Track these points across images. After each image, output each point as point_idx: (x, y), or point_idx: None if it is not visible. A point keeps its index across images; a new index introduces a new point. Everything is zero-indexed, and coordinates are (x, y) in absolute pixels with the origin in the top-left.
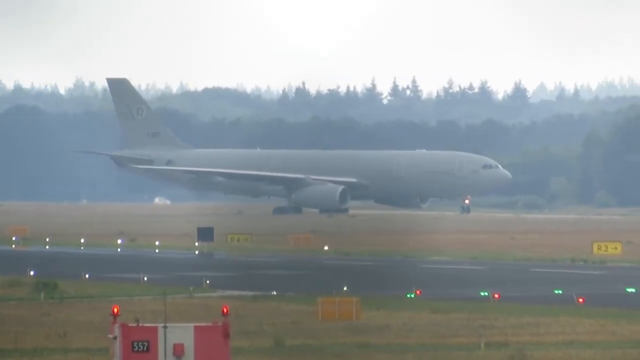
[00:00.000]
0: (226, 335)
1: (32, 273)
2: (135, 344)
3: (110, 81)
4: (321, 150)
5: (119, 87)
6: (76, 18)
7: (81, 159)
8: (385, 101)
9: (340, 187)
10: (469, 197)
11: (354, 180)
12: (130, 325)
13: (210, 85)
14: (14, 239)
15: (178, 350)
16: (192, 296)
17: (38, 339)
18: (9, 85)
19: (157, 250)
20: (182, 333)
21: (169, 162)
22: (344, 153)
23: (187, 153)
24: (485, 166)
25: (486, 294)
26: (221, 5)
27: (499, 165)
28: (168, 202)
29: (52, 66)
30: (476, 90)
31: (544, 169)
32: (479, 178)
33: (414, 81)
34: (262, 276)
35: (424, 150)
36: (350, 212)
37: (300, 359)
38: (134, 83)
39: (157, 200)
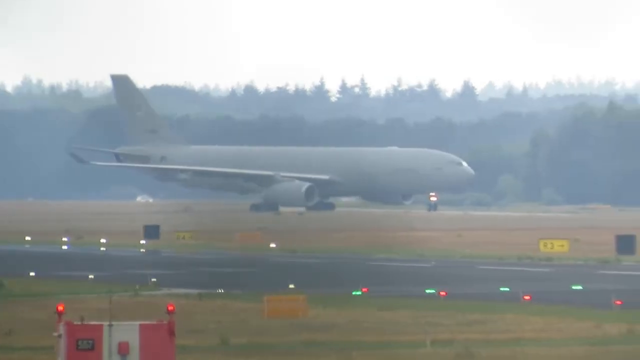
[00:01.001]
0: (172, 333)
1: None
2: (80, 342)
3: (114, 77)
4: (301, 147)
5: (121, 84)
6: (22, 16)
7: (30, 157)
8: (333, 99)
9: (306, 185)
10: (434, 194)
11: (326, 177)
12: (75, 323)
13: (158, 82)
14: None
15: (123, 349)
16: (137, 294)
17: None
18: None
19: (103, 248)
20: (127, 331)
21: (162, 159)
22: (318, 150)
23: (181, 150)
24: (449, 163)
25: (433, 291)
26: (170, 2)
27: (463, 163)
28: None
29: None
30: (425, 88)
31: (492, 167)
32: (443, 175)
33: (362, 79)
34: (209, 274)
35: (395, 147)
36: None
37: (246, 358)
38: (82, 81)
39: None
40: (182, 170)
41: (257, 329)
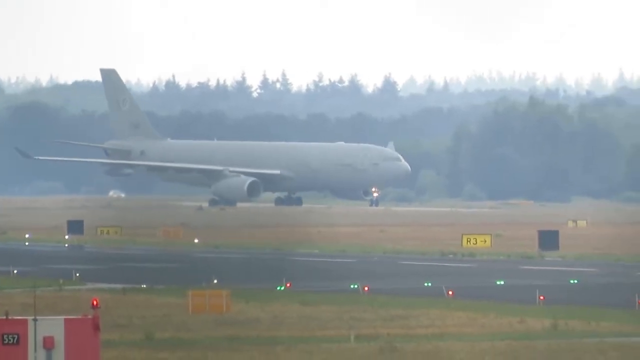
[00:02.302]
0: (96, 328)
1: None
2: (4, 336)
3: (103, 71)
4: (252, 142)
5: (109, 78)
6: None
7: None
8: (255, 94)
9: (249, 180)
10: (375, 189)
11: (277, 172)
12: None
13: (80, 78)
14: None
15: (48, 343)
16: (62, 289)
17: None
18: None
19: (27, 243)
20: (52, 326)
21: (142, 154)
22: (273, 145)
23: (159, 144)
24: (387, 159)
25: (356, 286)
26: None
27: (401, 158)
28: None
29: None
30: (346, 83)
31: (414, 162)
32: (380, 171)
33: (283, 74)
34: (132, 269)
35: (342, 143)
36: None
37: (170, 353)
38: (3, 76)
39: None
40: (130, 165)
41: (181, 324)
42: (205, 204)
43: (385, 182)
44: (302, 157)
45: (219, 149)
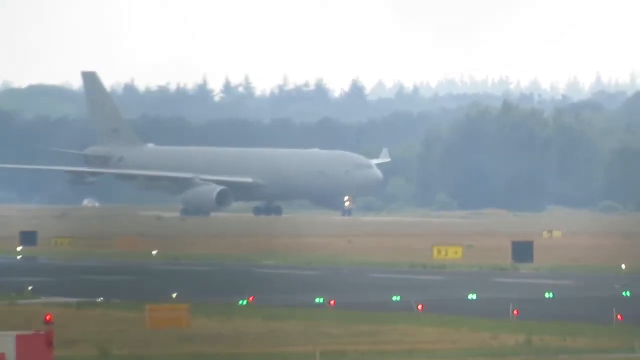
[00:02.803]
0: (49, 344)
1: None
2: None
3: (84, 74)
4: (241, 149)
5: (90, 81)
6: None
7: None
8: (217, 99)
9: (219, 189)
10: (348, 198)
11: (249, 180)
12: None
13: (35, 82)
14: None
15: None
16: (13, 303)
17: None
18: None
19: None
20: (3, 342)
21: (121, 160)
22: (243, 152)
23: (138, 150)
24: (358, 166)
25: (322, 300)
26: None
27: (373, 166)
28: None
29: None
30: (312, 88)
31: (382, 170)
32: (351, 179)
33: (247, 78)
34: (88, 282)
35: (317, 150)
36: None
37: None
38: None
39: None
40: (93, 174)
41: (139, 339)
42: (176, 214)
43: (357, 191)
44: (275, 165)
45: (200, 155)
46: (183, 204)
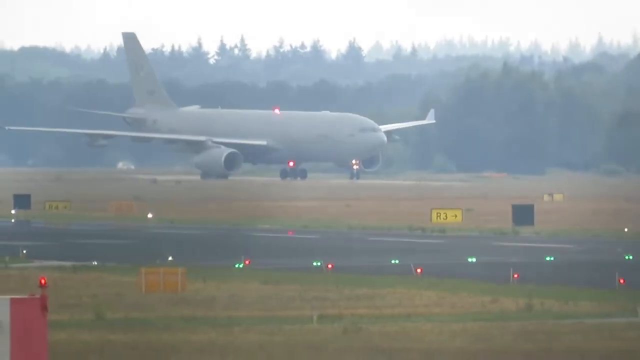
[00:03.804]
0: (44, 308)
1: None
2: None
3: (125, 35)
4: (269, 111)
5: (129, 42)
6: None
7: None
8: (212, 61)
9: (227, 152)
10: (356, 161)
11: (263, 142)
12: None
13: (27, 44)
14: None
15: None
16: (7, 267)
17: None
18: None
19: None
20: None
21: (154, 122)
22: (261, 114)
23: (170, 113)
24: (362, 130)
25: (319, 264)
26: None
27: (377, 128)
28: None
29: None
30: (308, 49)
31: None
32: (355, 142)
33: (242, 40)
34: (83, 246)
35: (327, 112)
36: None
37: (122, 333)
38: None
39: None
40: (105, 136)
41: (134, 303)
42: (197, 177)
43: (360, 154)
44: (287, 127)
45: (230, 116)
46: (196, 167)
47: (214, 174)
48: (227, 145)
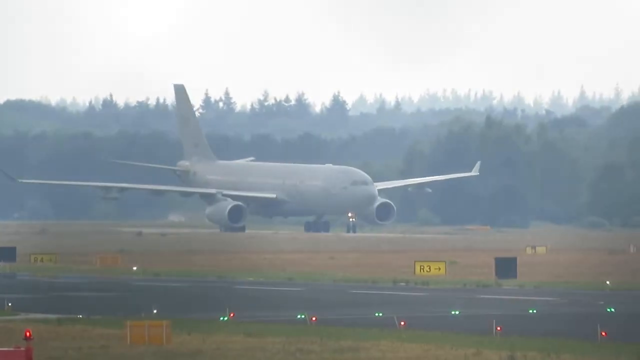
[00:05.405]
0: None
1: None
2: None
3: (176, 87)
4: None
5: (179, 94)
6: None
7: None
8: (197, 114)
9: (230, 205)
10: (352, 213)
11: (273, 195)
12: None
13: (12, 97)
14: None
15: None
16: None
17: None
18: None
19: None
20: None
21: (194, 175)
22: (274, 166)
23: (208, 165)
24: (354, 183)
25: (303, 316)
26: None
27: (368, 182)
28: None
29: None
30: (293, 102)
31: None
32: (347, 195)
33: (227, 93)
34: (68, 298)
35: (330, 165)
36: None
37: None
38: None
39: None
40: (106, 188)
41: (119, 356)
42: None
43: (355, 207)
44: (295, 179)
45: (264, 169)
46: (207, 219)
47: (222, 226)
48: (235, 198)
